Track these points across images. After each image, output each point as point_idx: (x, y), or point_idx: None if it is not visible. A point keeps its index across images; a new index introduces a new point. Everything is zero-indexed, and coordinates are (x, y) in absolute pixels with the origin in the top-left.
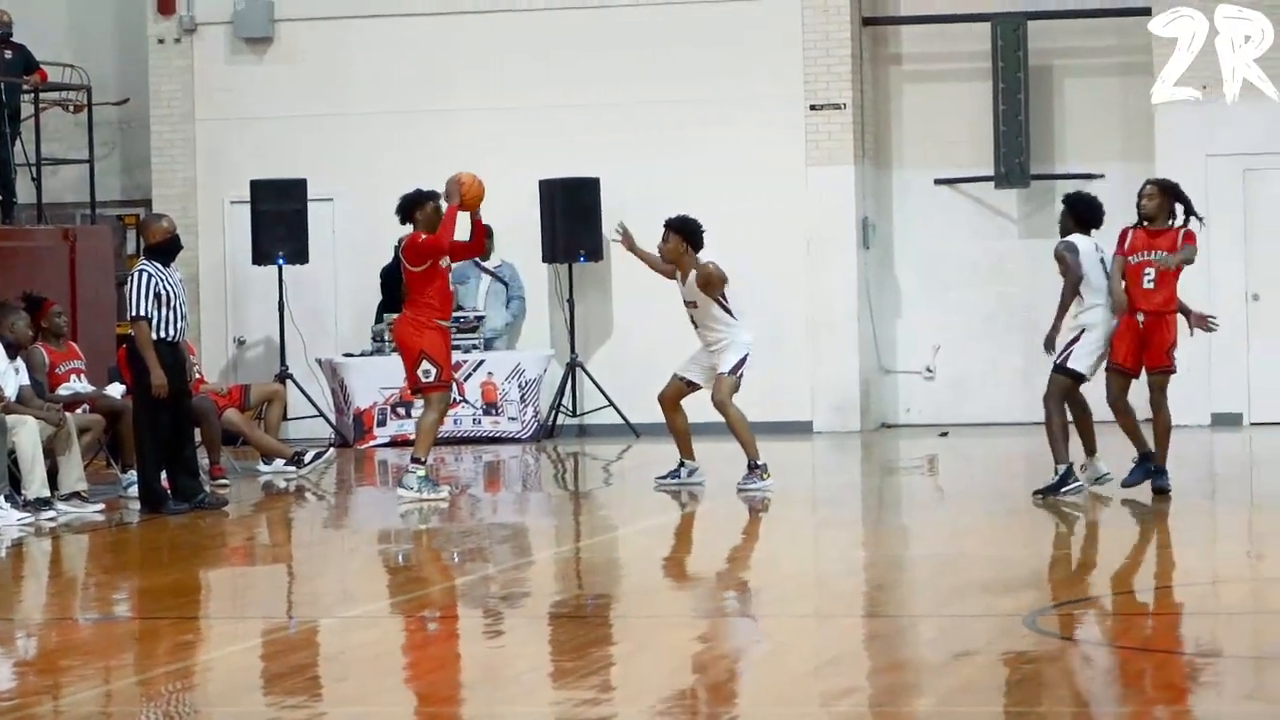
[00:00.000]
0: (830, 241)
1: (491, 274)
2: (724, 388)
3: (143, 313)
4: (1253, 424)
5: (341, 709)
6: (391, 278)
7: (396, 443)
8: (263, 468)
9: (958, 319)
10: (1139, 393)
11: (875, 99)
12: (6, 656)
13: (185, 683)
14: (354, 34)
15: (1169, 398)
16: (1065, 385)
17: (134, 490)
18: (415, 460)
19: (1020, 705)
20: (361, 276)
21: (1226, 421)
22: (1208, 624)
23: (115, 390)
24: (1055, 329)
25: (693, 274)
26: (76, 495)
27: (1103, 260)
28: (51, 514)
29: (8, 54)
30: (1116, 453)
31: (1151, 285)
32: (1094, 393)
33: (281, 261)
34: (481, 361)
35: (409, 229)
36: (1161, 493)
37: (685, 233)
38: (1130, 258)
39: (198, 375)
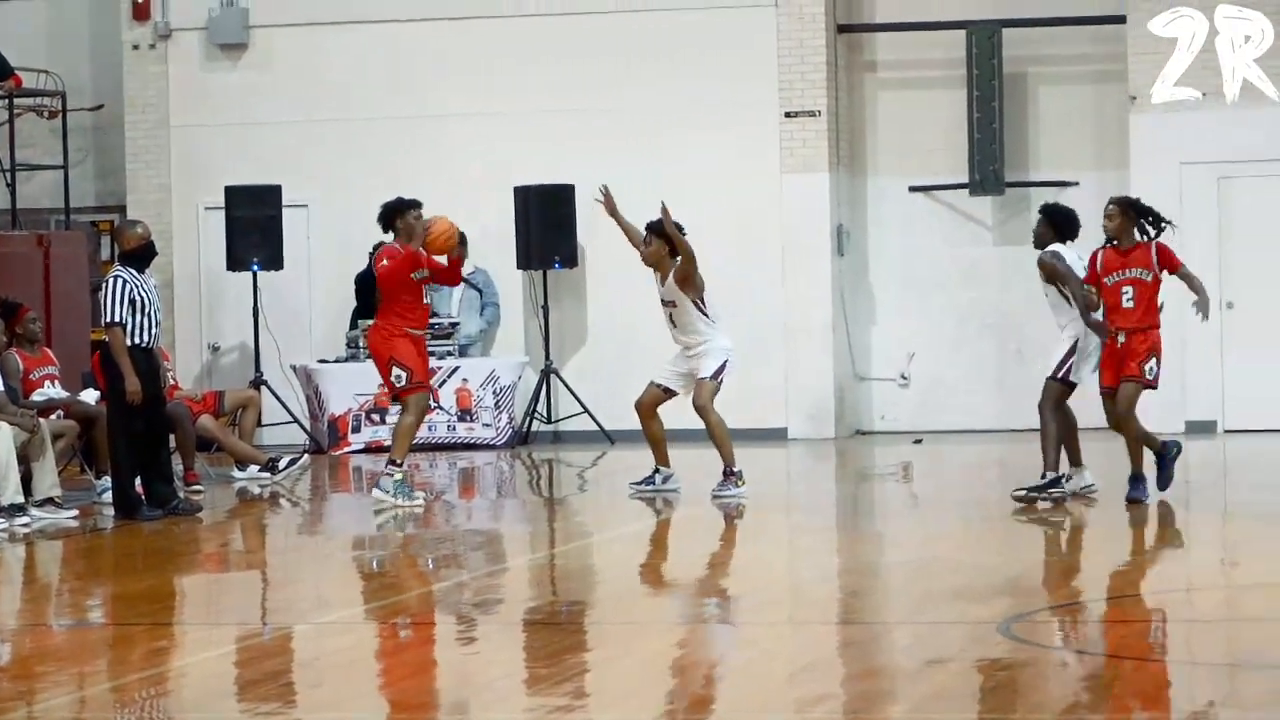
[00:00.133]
0: (805, 248)
1: (465, 280)
2: (705, 392)
3: (117, 319)
4: (1227, 431)
5: (315, 715)
6: (366, 284)
7: (371, 449)
8: (237, 474)
9: (932, 326)
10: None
11: (850, 106)
12: None
13: (159, 689)
14: (329, 40)
15: (1137, 408)
16: (1060, 393)
17: (108, 496)
18: (392, 463)
19: (994, 712)
20: (336, 283)
21: (1201, 429)
22: (1182, 631)
23: (89, 396)
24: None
25: (671, 273)
26: (50, 501)
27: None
28: (25, 520)
29: None
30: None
31: (1131, 304)
32: (1080, 404)
33: (256, 267)
34: (456, 368)
35: (389, 236)
36: (1135, 503)
37: (666, 235)
38: (1105, 279)
39: (172, 381)
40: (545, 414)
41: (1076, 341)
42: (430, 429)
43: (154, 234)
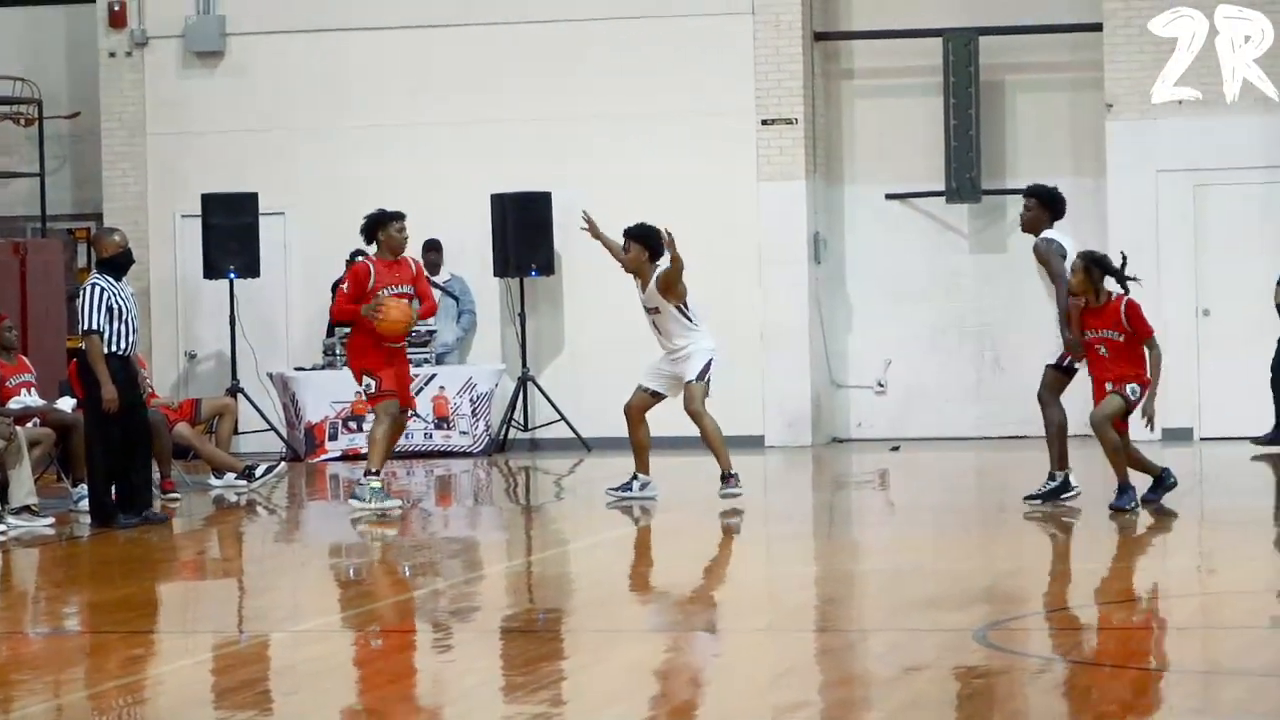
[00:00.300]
0: (781, 256)
1: (441, 288)
2: (696, 396)
3: (94, 326)
4: (1203, 439)
5: None
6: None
7: (348, 456)
8: (213, 482)
9: (909, 333)
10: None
11: (827, 114)
12: None
13: (135, 697)
14: (305, 48)
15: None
16: (1059, 380)
17: (85, 504)
18: (368, 473)
19: (970, 719)
20: (313, 290)
21: (1177, 437)
22: (1158, 638)
23: (66, 404)
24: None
25: (653, 280)
26: (27, 509)
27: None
28: (2, 528)
29: None
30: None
31: (1106, 354)
32: (1072, 410)
33: (233, 275)
34: (433, 375)
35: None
36: (1119, 511)
37: (645, 241)
38: (1084, 333)
39: (149, 389)
40: (522, 421)
41: None
42: (407, 436)
43: (131, 241)
